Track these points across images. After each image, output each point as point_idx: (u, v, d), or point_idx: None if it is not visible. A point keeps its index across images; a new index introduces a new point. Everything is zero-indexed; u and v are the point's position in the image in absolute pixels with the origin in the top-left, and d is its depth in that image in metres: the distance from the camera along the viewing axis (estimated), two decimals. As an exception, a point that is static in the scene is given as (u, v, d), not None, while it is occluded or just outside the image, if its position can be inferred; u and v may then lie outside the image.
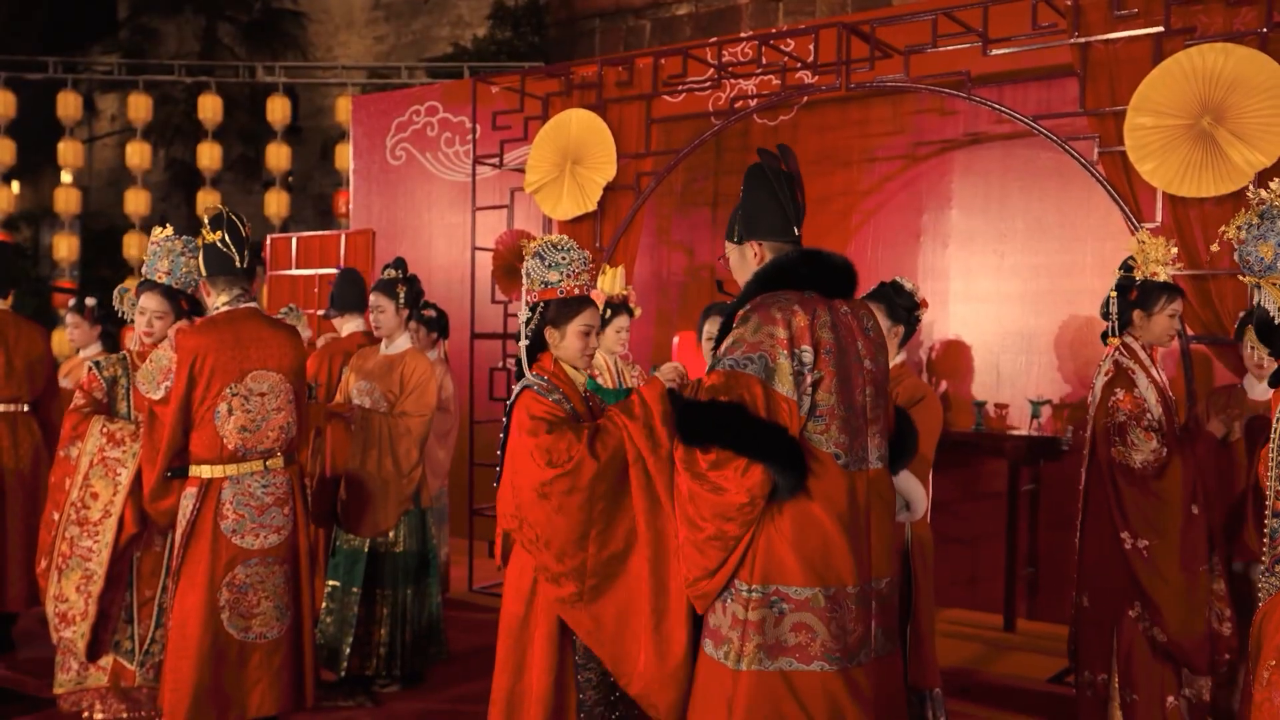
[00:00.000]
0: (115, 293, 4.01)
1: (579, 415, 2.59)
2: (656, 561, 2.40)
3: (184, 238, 3.58)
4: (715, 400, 2.16)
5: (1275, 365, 2.39)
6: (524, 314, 2.68)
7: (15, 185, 9.51)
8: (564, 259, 2.66)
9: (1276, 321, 1.97)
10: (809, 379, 2.17)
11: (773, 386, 2.14)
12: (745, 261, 2.42)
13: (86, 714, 3.44)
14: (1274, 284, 1.96)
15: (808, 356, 2.17)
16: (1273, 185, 2.06)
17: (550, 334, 2.66)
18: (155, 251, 3.54)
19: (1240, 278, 2.13)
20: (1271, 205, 1.99)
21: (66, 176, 9.76)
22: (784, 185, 2.39)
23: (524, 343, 2.65)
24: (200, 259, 3.30)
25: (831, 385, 2.19)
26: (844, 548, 2.17)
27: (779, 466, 2.11)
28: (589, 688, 2.58)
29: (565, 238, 2.77)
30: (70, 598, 3.38)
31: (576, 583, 2.43)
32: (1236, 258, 2.07)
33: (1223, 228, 2.13)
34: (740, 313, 2.27)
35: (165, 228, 3.62)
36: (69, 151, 9.28)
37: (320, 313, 7.08)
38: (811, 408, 2.17)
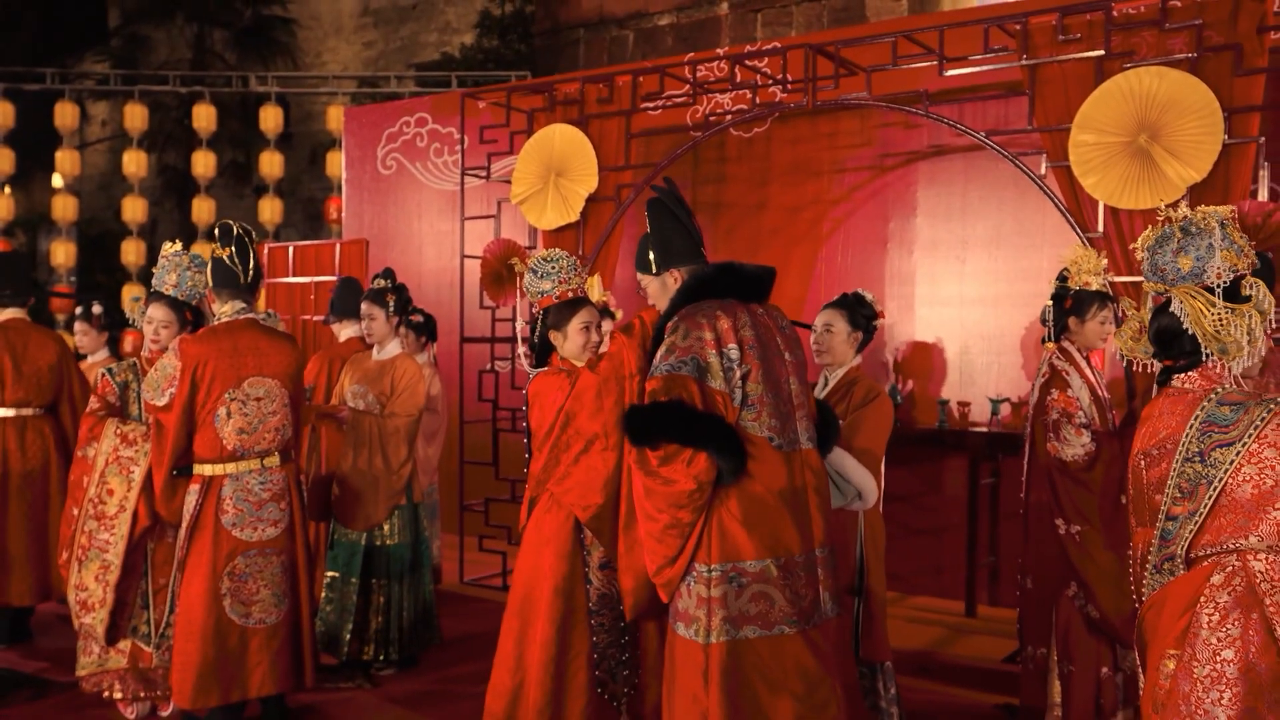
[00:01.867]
0: (128, 301, 4.25)
1: None
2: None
3: (190, 253, 3.82)
4: (656, 401, 2.40)
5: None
6: (515, 324, 3.02)
7: (7, 190, 9.68)
8: (553, 268, 2.98)
9: (1184, 326, 2.13)
10: (738, 373, 2.43)
11: (707, 382, 2.40)
12: (666, 289, 2.68)
13: (107, 694, 3.69)
14: (1186, 292, 2.13)
15: (734, 353, 2.44)
16: (1182, 205, 2.27)
17: (554, 337, 2.99)
18: (164, 265, 3.78)
19: (1145, 285, 2.31)
20: (1194, 222, 2.15)
21: (62, 183, 9.94)
22: (684, 213, 2.66)
23: (521, 349, 2.99)
24: (208, 271, 3.54)
25: (759, 376, 2.45)
26: (788, 520, 2.43)
27: (720, 452, 2.36)
28: (601, 631, 2.89)
29: (555, 250, 3.06)
30: (90, 586, 3.63)
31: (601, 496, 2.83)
32: (1146, 266, 2.22)
33: (1138, 241, 2.30)
34: (669, 324, 2.52)
35: (175, 243, 3.86)
36: (66, 160, 9.46)
37: (318, 319, 7.34)
38: (743, 398, 2.43)
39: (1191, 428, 2.08)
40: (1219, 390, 2.10)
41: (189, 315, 3.78)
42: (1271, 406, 2.01)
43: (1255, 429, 2.00)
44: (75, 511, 3.69)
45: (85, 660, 3.71)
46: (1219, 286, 2.10)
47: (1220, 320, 2.10)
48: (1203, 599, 2.03)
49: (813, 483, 2.52)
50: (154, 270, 3.82)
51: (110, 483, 3.68)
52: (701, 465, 2.35)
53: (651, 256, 2.69)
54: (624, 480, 2.71)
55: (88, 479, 3.68)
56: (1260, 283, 2.09)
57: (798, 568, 2.43)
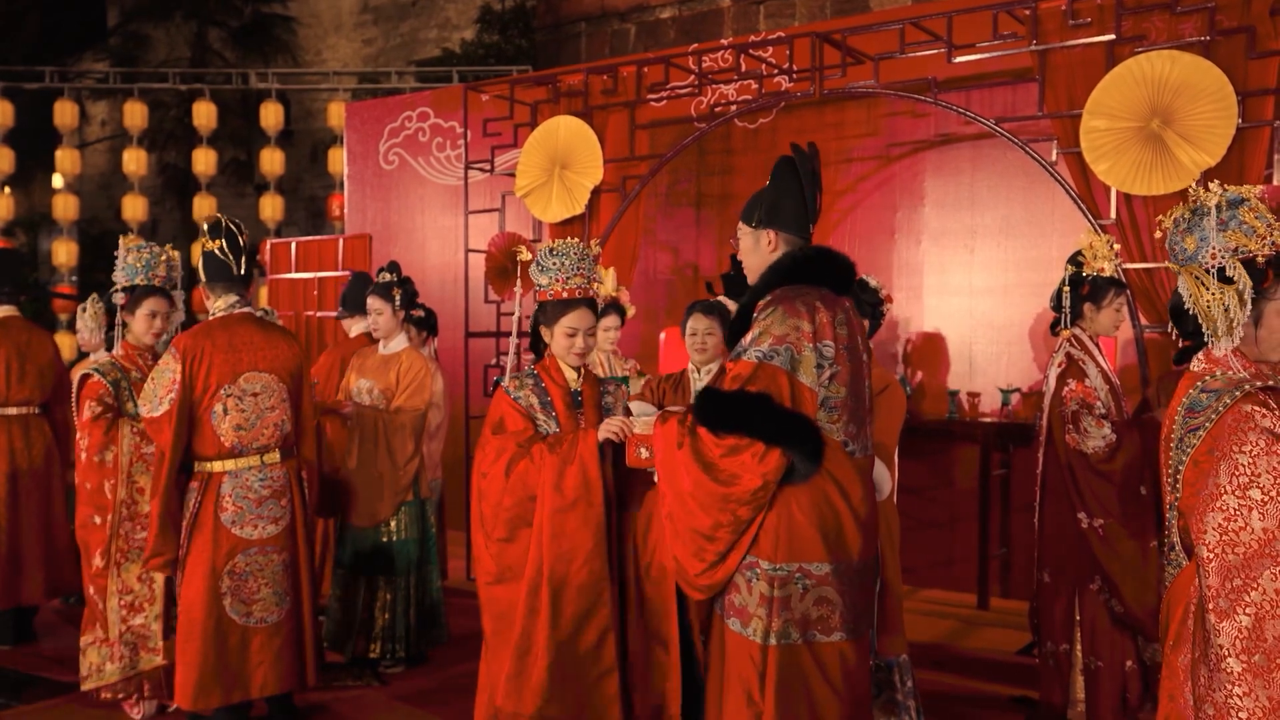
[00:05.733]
0: (87, 314, 4.30)
1: (553, 409, 2.85)
2: (531, 596, 2.68)
3: (139, 240, 3.85)
4: (743, 390, 2.25)
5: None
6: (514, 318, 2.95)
7: (7, 190, 9.64)
8: (554, 264, 2.86)
9: (1186, 306, 2.13)
10: (827, 372, 2.28)
11: (798, 378, 2.25)
12: (758, 247, 2.49)
13: (108, 695, 3.66)
14: (1190, 273, 2.11)
15: (829, 351, 2.28)
16: (1213, 185, 2.22)
17: (544, 332, 2.90)
18: (150, 259, 3.77)
19: (1166, 265, 2.30)
20: (1203, 204, 2.12)
21: (62, 183, 9.92)
22: (811, 184, 2.48)
23: (514, 340, 2.91)
24: (200, 266, 3.49)
25: (845, 378, 2.31)
26: (853, 527, 2.31)
27: (802, 452, 2.23)
28: None
29: (564, 242, 2.92)
30: (135, 588, 3.63)
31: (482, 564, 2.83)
32: (1166, 247, 2.23)
33: (1159, 217, 2.29)
34: (762, 303, 2.35)
35: (130, 236, 3.89)
36: (66, 159, 9.43)
37: (322, 314, 7.31)
38: (825, 399, 2.29)
39: (1179, 413, 2.08)
40: (1212, 375, 2.07)
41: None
42: (1236, 394, 1.97)
43: (1216, 415, 1.98)
44: (98, 520, 3.65)
45: (112, 667, 3.63)
46: (1213, 268, 2.08)
47: (1212, 301, 2.08)
48: (1193, 589, 2.00)
49: (870, 490, 2.43)
50: (128, 268, 3.76)
51: (139, 481, 3.66)
52: (773, 463, 2.22)
53: (758, 209, 2.51)
54: (523, 604, 2.71)
55: (110, 483, 3.64)
56: (1240, 266, 2.05)
57: (853, 574, 2.34)
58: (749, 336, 2.32)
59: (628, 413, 2.93)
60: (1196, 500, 1.96)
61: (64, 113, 9.22)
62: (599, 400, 2.94)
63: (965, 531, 5.43)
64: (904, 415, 3.25)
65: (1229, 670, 1.88)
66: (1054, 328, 3.54)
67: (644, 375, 4.22)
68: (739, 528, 2.27)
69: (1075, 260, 3.50)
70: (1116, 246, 3.51)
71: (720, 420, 2.26)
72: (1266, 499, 1.89)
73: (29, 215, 13.49)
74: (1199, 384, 2.07)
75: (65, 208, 9.46)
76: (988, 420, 5.32)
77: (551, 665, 2.65)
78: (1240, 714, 1.86)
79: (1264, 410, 1.94)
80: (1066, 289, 3.49)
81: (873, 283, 3.37)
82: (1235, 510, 1.91)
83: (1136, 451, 3.29)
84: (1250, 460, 1.91)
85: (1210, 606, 1.92)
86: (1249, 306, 2.04)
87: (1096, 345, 3.49)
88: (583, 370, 2.95)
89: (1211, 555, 1.92)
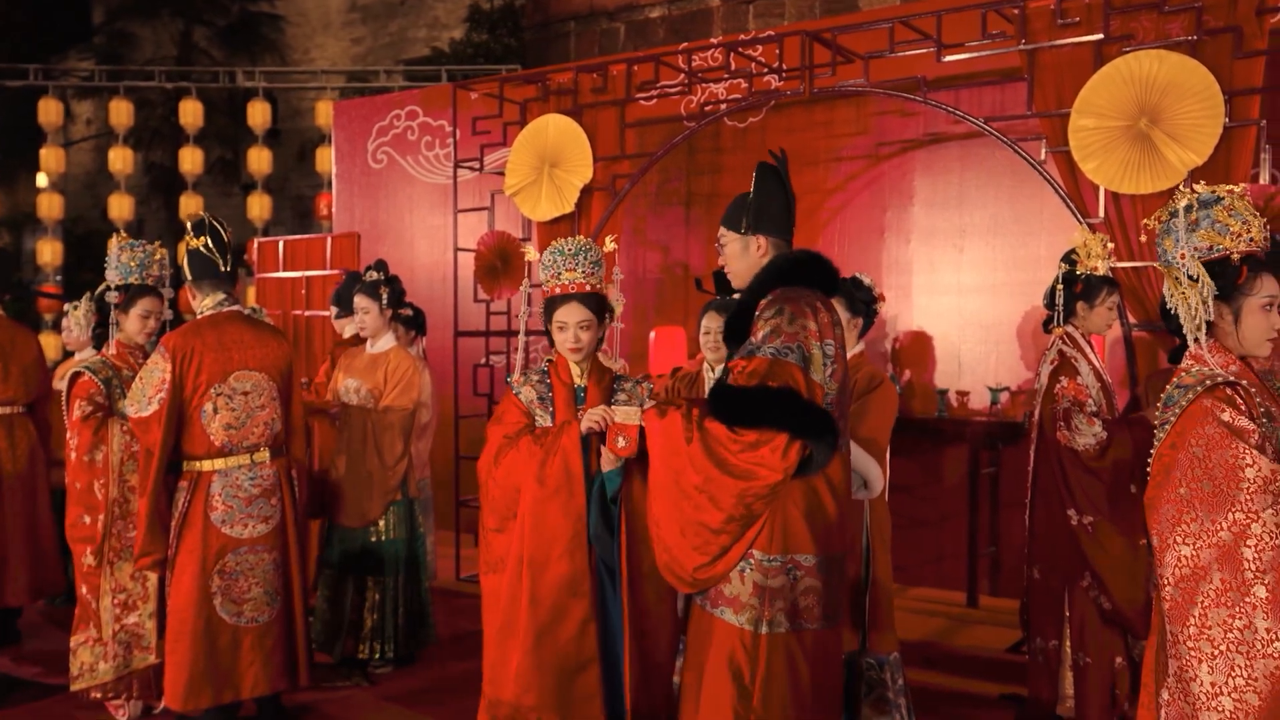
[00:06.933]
0: (79, 314, 4.25)
1: (552, 405, 2.86)
2: (513, 583, 2.71)
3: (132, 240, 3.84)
4: (765, 385, 2.26)
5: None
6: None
7: (-9, 189, 9.58)
8: (550, 260, 2.88)
9: (1167, 306, 2.18)
10: (829, 369, 2.33)
11: (810, 374, 2.29)
12: (747, 252, 2.51)
13: (97, 694, 3.64)
14: (1171, 273, 2.16)
15: (830, 349, 2.33)
16: (1197, 186, 2.23)
17: (548, 329, 2.93)
18: (144, 258, 3.75)
19: (1154, 264, 2.34)
20: (1177, 207, 2.16)
21: (47, 182, 9.84)
22: (789, 188, 2.54)
23: (522, 337, 2.93)
24: (185, 264, 3.45)
25: (840, 377, 2.37)
26: (837, 519, 2.37)
27: (824, 445, 2.25)
28: None
29: (563, 241, 2.92)
30: (128, 587, 3.61)
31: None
32: (1156, 249, 2.27)
33: (1145, 221, 2.32)
34: (764, 302, 2.38)
35: (120, 235, 3.86)
36: (51, 157, 9.36)
37: (309, 314, 7.28)
38: (825, 394, 2.32)
39: (1158, 409, 2.11)
40: (1187, 371, 2.09)
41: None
42: (1199, 389, 2.00)
43: (1181, 410, 2.01)
44: (87, 519, 3.63)
45: (105, 666, 3.60)
46: (1183, 268, 2.11)
47: (1179, 300, 2.13)
48: None
49: (851, 485, 2.48)
50: (122, 266, 3.75)
51: (130, 479, 3.64)
52: (794, 457, 2.23)
53: (745, 215, 2.51)
54: (506, 593, 2.77)
55: (100, 482, 3.62)
56: (1200, 266, 2.08)
57: (836, 565, 2.39)
58: (759, 334, 2.34)
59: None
60: (1158, 493, 2.00)
61: (49, 111, 9.15)
62: (608, 398, 2.91)
63: (954, 529, 5.44)
64: (895, 412, 3.25)
65: (1182, 657, 1.92)
66: (1046, 325, 3.56)
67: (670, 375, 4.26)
68: (750, 522, 2.29)
69: (1069, 258, 3.51)
70: (1110, 245, 3.52)
71: (741, 415, 2.27)
72: (1217, 493, 1.91)
73: (13, 214, 13.40)
74: (1175, 380, 2.11)
75: (50, 207, 9.39)
76: (977, 419, 5.34)
77: (529, 653, 2.66)
78: (1196, 699, 1.91)
79: (1225, 405, 1.97)
80: (1060, 287, 3.50)
81: (866, 281, 3.37)
82: (1187, 504, 1.93)
83: (1127, 449, 3.31)
84: (1204, 453, 1.94)
85: (1165, 595, 1.95)
86: (1210, 304, 2.08)
87: (1089, 343, 3.50)
88: (588, 367, 2.93)
89: (1164, 547, 1.95)
